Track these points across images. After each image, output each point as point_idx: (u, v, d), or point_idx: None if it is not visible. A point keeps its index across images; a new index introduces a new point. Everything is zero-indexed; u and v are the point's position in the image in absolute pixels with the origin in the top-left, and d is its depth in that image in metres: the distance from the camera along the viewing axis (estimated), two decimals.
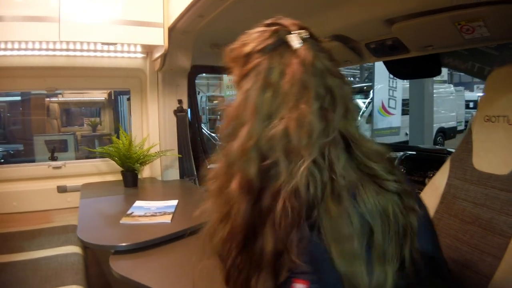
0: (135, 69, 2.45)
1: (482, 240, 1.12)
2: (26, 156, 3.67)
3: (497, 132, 1.20)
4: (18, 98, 4.97)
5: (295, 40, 0.66)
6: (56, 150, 2.75)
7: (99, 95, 5.47)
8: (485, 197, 1.16)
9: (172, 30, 1.96)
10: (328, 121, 0.62)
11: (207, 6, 1.58)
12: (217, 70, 2.97)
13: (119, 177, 2.31)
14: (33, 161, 2.88)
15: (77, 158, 3.49)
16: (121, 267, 1.18)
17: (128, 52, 2.30)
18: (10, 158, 4.11)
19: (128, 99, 2.64)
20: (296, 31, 0.68)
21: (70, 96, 5.57)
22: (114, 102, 5.23)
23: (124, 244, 1.27)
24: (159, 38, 1.96)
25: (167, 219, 1.53)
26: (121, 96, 4.95)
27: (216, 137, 9.54)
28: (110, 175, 2.45)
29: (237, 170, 0.62)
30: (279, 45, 0.67)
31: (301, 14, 1.84)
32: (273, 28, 0.69)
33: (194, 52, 2.27)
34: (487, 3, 1.24)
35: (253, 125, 0.62)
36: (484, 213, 1.15)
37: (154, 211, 1.63)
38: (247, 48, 0.69)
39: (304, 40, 0.67)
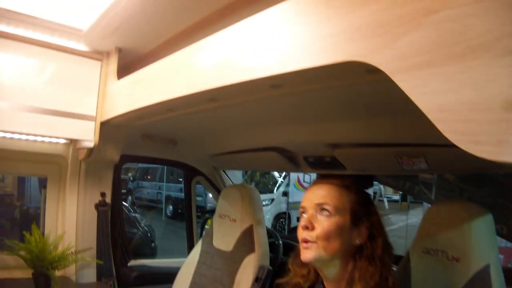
0: (56, 155, 2.17)
1: None
2: None
3: (435, 265, 1.22)
4: None
5: None
6: None
7: None
8: None
9: (104, 124, 1.79)
10: None
11: (151, 113, 1.47)
12: (146, 160, 2.79)
13: (28, 274, 1.88)
14: None
15: None
16: None
17: (50, 137, 2.03)
18: None
19: (44, 186, 2.29)
20: None
21: None
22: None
23: None
24: (88, 132, 1.78)
25: None
26: None
27: None
28: (19, 270, 1.98)
29: None
30: None
31: (242, 127, 1.79)
32: None
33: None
34: (429, 144, 1.31)
35: None
36: None
37: None
38: None
39: None
